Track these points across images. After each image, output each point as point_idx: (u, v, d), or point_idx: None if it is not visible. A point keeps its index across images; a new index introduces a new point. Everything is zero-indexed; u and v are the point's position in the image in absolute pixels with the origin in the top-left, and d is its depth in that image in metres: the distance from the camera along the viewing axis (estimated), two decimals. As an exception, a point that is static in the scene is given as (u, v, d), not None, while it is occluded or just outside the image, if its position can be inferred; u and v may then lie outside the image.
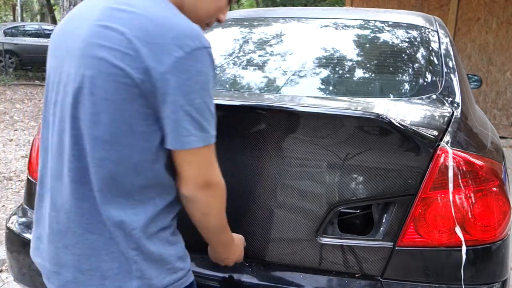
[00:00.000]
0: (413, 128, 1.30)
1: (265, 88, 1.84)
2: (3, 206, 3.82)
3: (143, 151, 0.96)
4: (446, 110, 1.56)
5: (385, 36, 2.15)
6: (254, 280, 1.41)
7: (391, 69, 1.92)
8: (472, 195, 1.31)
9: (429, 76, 1.81)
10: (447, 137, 1.37)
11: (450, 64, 1.87)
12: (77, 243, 1.00)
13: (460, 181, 1.30)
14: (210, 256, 1.31)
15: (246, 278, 1.42)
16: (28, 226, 1.72)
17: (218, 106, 1.29)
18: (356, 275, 1.38)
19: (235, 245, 1.25)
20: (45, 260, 1.07)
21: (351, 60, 2.01)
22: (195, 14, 1.07)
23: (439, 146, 1.32)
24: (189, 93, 0.93)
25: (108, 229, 0.98)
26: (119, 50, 0.92)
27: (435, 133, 1.36)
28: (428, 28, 2.11)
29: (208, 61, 0.96)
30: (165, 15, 0.95)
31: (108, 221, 0.98)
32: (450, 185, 1.29)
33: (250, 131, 1.37)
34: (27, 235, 1.68)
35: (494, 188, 1.33)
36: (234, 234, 1.25)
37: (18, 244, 1.71)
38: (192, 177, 1.00)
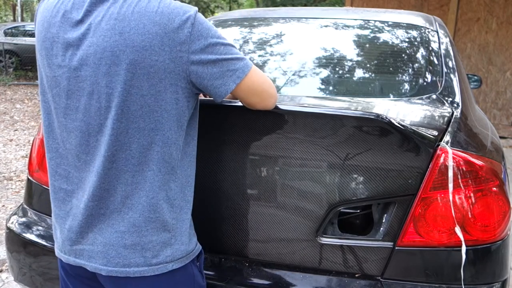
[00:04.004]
0: (413, 128, 1.30)
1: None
2: (3, 206, 3.82)
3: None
4: (446, 110, 1.56)
5: (385, 36, 2.15)
6: (254, 280, 1.41)
7: (391, 69, 1.92)
8: (472, 195, 1.31)
9: (429, 76, 1.81)
10: (447, 137, 1.37)
11: (450, 64, 1.87)
12: (122, 221, 1.10)
13: (460, 181, 1.30)
14: None
15: (246, 278, 1.42)
16: (28, 226, 1.73)
17: (219, 106, 1.29)
18: (356, 275, 1.38)
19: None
20: (87, 244, 1.13)
21: (351, 60, 2.01)
22: None
23: (439, 146, 1.32)
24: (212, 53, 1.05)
25: (150, 205, 1.08)
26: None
27: (435, 133, 1.36)
28: (428, 28, 2.11)
29: (203, 21, 1.05)
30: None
31: (150, 197, 1.08)
32: (450, 185, 1.29)
33: (250, 131, 1.37)
34: (27, 235, 1.68)
35: (494, 188, 1.33)
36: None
37: (19, 244, 1.72)
38: (254, 106, 1.20)
